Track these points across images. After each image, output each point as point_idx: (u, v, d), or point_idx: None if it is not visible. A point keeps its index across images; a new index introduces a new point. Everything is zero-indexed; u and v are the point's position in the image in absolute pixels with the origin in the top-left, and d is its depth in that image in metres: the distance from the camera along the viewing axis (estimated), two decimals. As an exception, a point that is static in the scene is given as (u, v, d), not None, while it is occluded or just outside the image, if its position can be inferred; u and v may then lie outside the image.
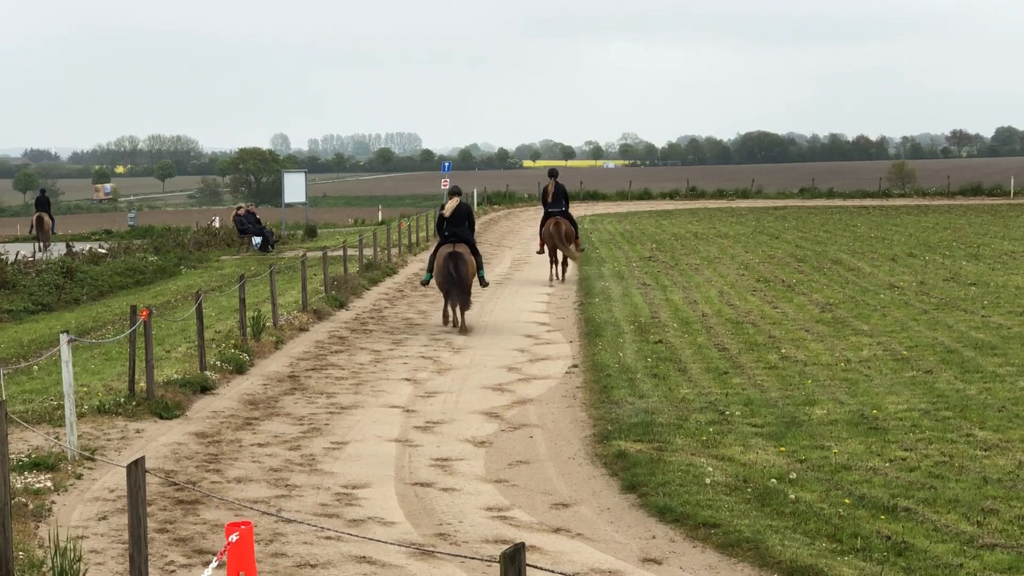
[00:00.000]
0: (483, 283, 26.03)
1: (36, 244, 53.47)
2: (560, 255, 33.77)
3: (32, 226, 55.86)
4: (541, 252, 34.60)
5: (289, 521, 11.35)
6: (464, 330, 24.25)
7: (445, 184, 58.51)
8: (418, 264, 38.56)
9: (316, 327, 24.94)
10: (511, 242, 46.62)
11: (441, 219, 25.46)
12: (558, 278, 33.63)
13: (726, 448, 14.15)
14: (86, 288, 35.16)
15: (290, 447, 14.74)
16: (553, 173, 34.26)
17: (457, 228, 24.98)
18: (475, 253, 25.15)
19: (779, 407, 16.23)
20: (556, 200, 33.37)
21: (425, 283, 26.82)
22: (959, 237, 44.74)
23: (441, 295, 25.79)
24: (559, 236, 32.81)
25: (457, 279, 24.24)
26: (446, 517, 11.88)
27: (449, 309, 25.15)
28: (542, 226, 33.64)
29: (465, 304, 24.62)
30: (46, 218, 55.33)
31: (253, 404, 17.33)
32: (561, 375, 19.39)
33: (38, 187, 63.81)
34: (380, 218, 67.85)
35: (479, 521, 11.76)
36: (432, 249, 26.52)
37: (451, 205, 25.17)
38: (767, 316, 24.90)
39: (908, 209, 65.94)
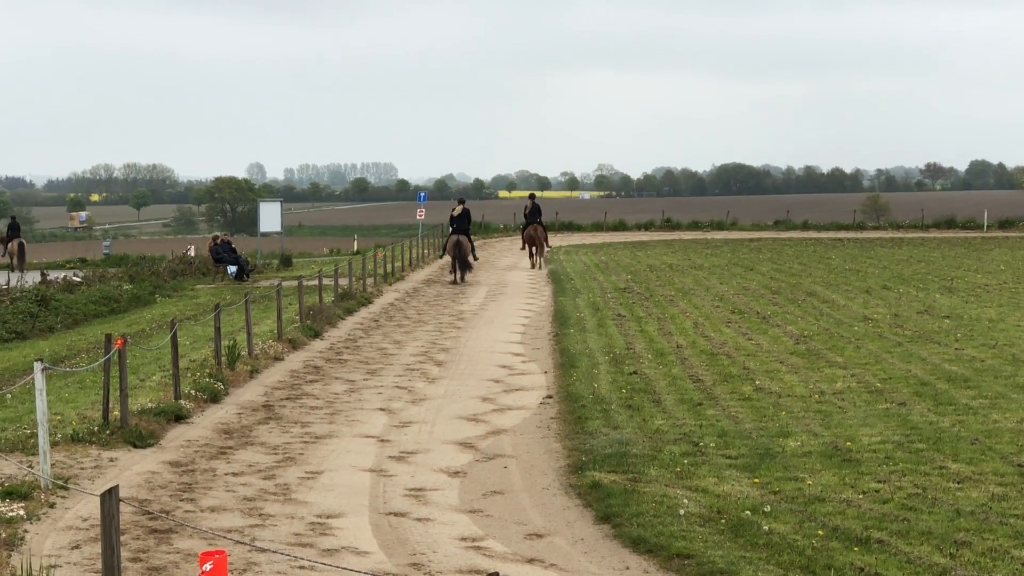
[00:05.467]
0: (474, 257, 43.30)
1: (18, 270, 53.56)
2: (536, 249, 49.24)
3: (10, 253, 55.88)
4: (523, 249, 51.65)
5: (263, 550, 11.33)
6: (464, 284, 41.18)
7: (421, 214, 60.74)
8: (393, 294, 38.62)
9: (291, 356, 24.91)
10: (486, 273, 46.57)
11: (451, 218, 42.73)
12: (537, 266, 48.48)
13: (700, 479, 14.18)
14: (60, 316, 35.05)
15: (264, 476, 14.72)
16: (532, 196, 51.37)
17: (460, 224, 41.99)
18: (470, 240, 42.33)
19: (753, 438, 16.27)
20: (533, 214, 48.63)
21: (441, 256, 46.30)
22: (933, 270, 44.94)
23: (450, 273, 42.80)
24: (537, 237, 48.46)
25: (460, 255, 41.35)
26: (420, 547, 11.87)
27: (454, 275, 41.70)
28: (523, 230, 50.01)
29: (464, 268, 41.72)
30: (25, 244, 55.53)
31: (227, 433, 17.29)
32: (536, 406, 19.40)
33: (11, 215, 63.66)
34: (355, 248, 67.82)
35: (453, 551, 11.76)
36: (445, 238, 47.21)
37: (458, 209, 42.50)
38: (741, 348, 24.97)
39: (882, 241, 66.22)
